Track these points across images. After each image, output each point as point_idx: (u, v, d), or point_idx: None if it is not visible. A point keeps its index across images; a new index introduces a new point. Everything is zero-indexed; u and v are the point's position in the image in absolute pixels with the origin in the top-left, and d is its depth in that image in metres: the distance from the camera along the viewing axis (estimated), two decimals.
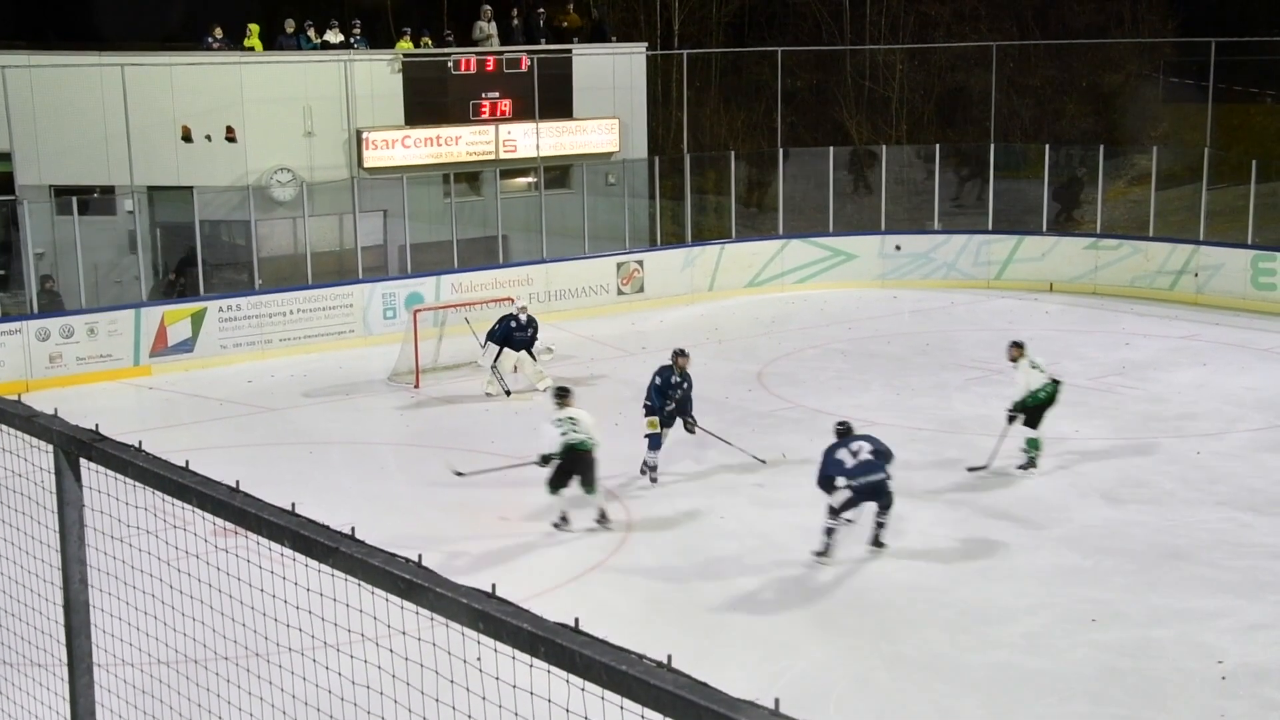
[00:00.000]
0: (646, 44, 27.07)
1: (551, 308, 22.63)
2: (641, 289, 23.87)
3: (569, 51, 24.88)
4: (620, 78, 25.34)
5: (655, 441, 14.38)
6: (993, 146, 26.02)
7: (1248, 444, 15.44)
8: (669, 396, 14.48)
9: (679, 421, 14.75)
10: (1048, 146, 25.77)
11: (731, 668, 9.63)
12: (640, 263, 24.08)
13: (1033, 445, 14.31)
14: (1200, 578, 11.61)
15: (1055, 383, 14.38)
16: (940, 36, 32.77)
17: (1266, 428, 16.09)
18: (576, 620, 2.40)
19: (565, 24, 25.93)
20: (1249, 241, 23.23)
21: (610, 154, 25.06)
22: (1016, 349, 14.51)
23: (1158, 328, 21.55)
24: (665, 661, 2.26)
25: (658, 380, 14.53)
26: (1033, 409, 14.22)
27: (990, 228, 25.73)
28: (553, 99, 24.31)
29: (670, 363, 14.71)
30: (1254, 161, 23.46)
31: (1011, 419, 14.24)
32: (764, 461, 14.80)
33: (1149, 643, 10.35)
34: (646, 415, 14.40)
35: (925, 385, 18.23)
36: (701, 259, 24.54)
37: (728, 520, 13.27)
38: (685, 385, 14.68)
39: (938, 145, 26.36)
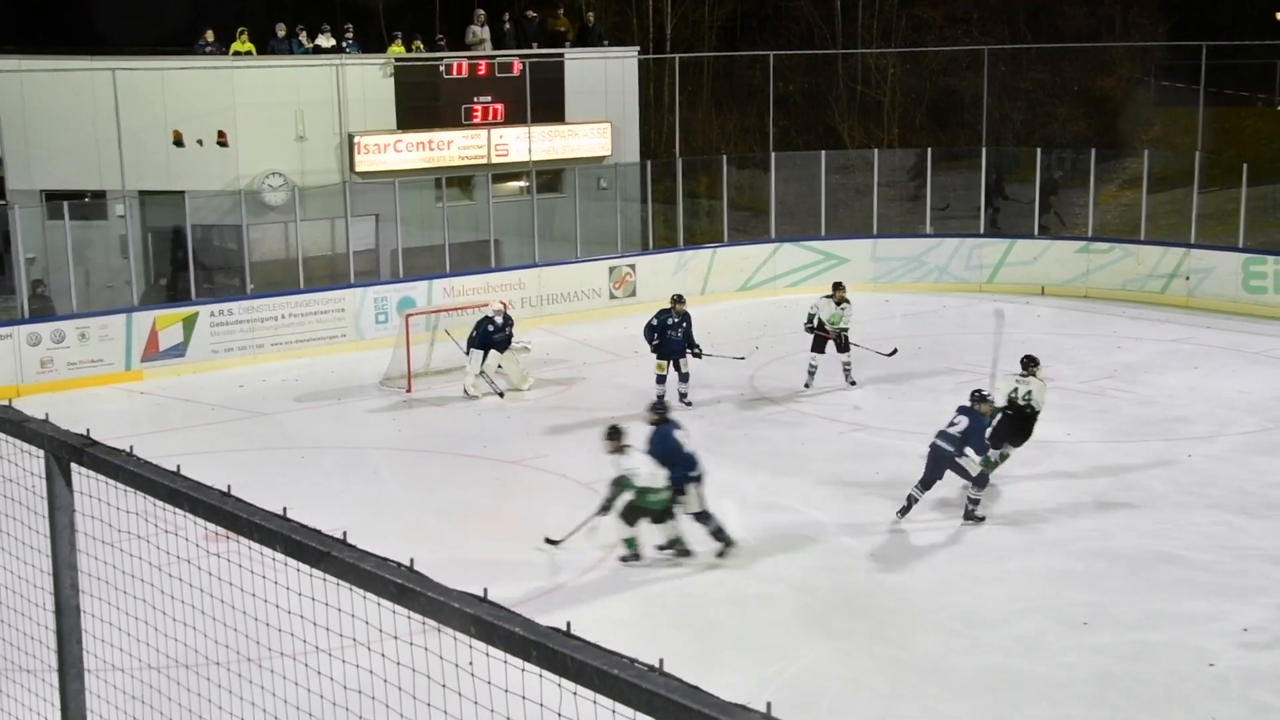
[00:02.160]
0: (638, 48, 27.05)
1: (543, 312, 22.63)
2: (634, 293, 23.87)
3: (561, 56, 24.89)
4: (612, 82, 25.34)
5: (661, 379, 17.19)
6: (985, 150, 26.06)
7: (1239, 447, 15.47)
8: (659, 334, 17.08)
9: (683, 361, 17.27)
10: (1039, 150, 25.81)
11: (725, 671, 9.63)
12: (632, 266, 24.08)
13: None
14: (1192, 581, 11.63)
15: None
16: (932, 40, 32.81)
17: (1258, 430, 16.13)
18: (568, 624, 2.40)
19: (558, 28, 25.93)
20: (1240, 245, 23.29)
21: (602, 158, 25.06)
22: (839, 288, 18.34)
23: (1149, 331, 21.58)
24: (657, 665, 2.26)
25: (654, 321, 17.23)
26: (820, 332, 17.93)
27: (982, 231, 25.79)
28: (545, 103, 24.30)
29: (669, 307, 17.30)
30: (1245, 165, 23.51)
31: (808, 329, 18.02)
32: (743, 358, 18.28)
33: (1141, 646, 10.37)
34: (657, 358, 17.25)
35: (917, 388, 18.25)
36: (694, 263, 24.55)
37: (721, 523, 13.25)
38: (684, 325, 17.19)
39: (929, 149, 26.39)
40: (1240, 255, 23.09)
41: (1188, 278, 23.44)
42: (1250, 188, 23.49)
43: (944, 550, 12.47)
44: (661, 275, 24.01)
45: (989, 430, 13.21)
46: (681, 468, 12.10)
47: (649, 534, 12.04)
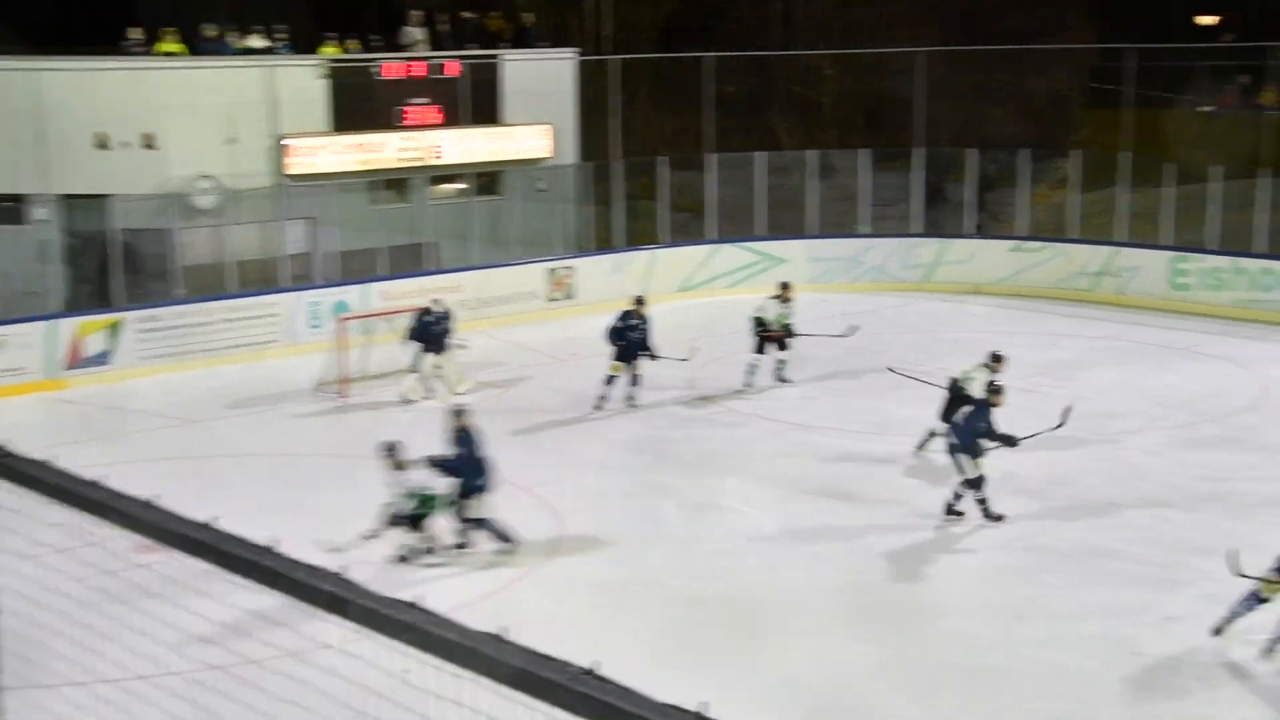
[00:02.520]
0: (578, 49, 26.98)
1: (482, 314, 22.46)
2: (573, 295, 23.80)
3: (499, 57, 24.77)
4: (551, 83, 25.26)
5: (610, 380, 17.11)
6: (919, 151, 26.29)
7: (1168, 441, 15.73)
8: (623, 335, 17.02)
9: (638, 363, 17.19)
10: (973, 151, 26.07)
11: (662, 673, 9.60)
12: (571, 268, 24.01)
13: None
14: (1123, 573, 11.81)
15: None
16: (869, 42, 33.04)
17: (1186, 425, 16.41)
18: (502, 629, 2.37)
19: (496, 29, 25.82)
20: (1166, 243, 23.72)
21: (541, 160, 24.98)
22: (785, 287, 18.53)
23: (1080, 328, 21.90)
24: (591, 668, 2.25)
25: (617, 323, 17.23)
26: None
27: (918, 231, 26.04)
28: (483, 105, 24.19)
29: (631, 308, 17.33)
30: (1169, 165, 23.96)
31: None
32: (686, 359, 17.76)
33: (1074, 638, 10.51)
34: (616, 359, 17.11)
35: (856, 387, 18.38)
36: (633, 264, 24.52)
37: (659, 526, 13.26)
38: (642, 325, 17.18)
39: (865, 149, 26.54)
40: (1167, 253, 23.51)
41: (1117, 276, 23.83)
42: (1175, 187, 23.93)
43: (882, 548, 12.54)
44: (601, 277, 23.99)
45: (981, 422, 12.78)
46: (472, 475, 12.04)
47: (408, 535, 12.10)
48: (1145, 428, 16.25)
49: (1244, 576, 9.59)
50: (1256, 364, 19.46)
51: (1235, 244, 23.26)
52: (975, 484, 12.74)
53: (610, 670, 2.26)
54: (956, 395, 14.15)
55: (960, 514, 12.84)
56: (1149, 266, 23.55)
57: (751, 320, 18.31)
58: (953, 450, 12.85)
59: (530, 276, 23.54)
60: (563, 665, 2.29)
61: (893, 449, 15.51)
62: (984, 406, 12.84)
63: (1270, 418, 16.65)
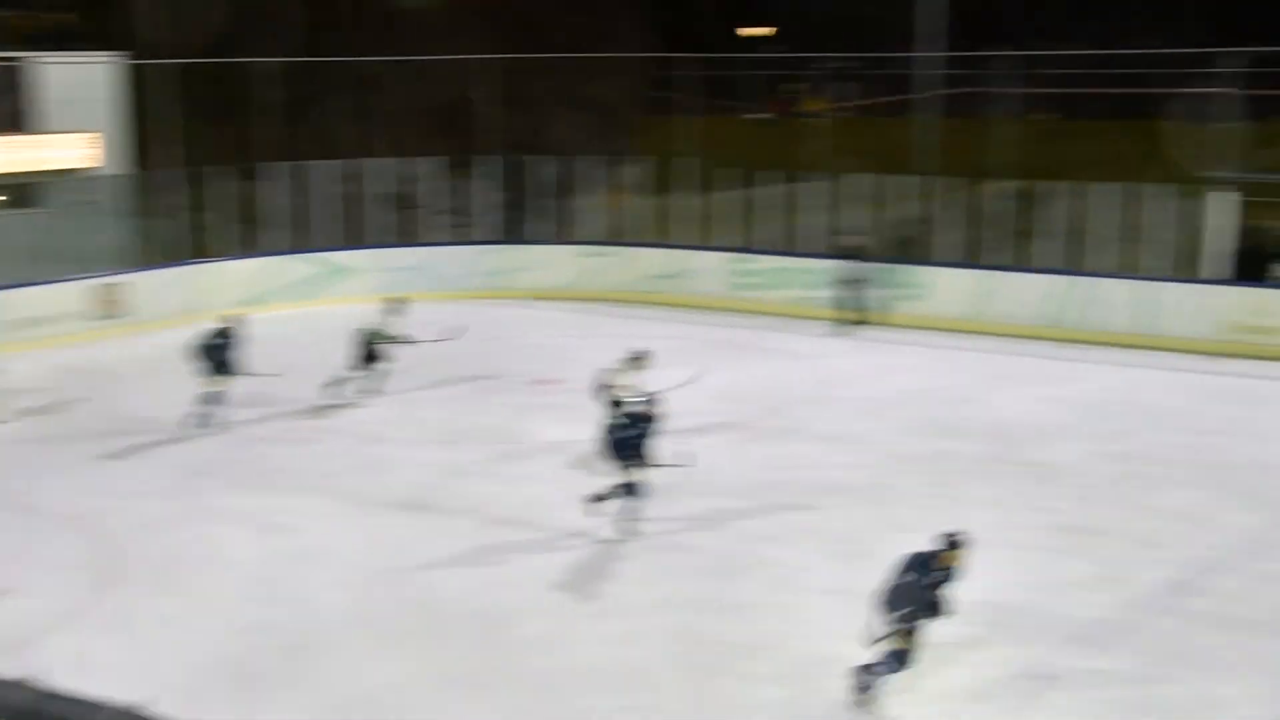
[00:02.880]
0: (130, 53, 25.30)
1: (21, 336, 20.47)
2: (126, 313, 22.20)
3: (23, 60, 22.81)
4: (96, 89, 23.64)
5: (207, 398, 16.42)
6: (498, 158, 26.53)
7: (734, 438, 16.49)
8: (214, 352, 16.38)
9: (223, 380, 16.48)
10: (539, 158, 26.60)
11: (220, 704, 9.10)
12: (124, 284, 22.37)
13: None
14: (690, 565, 12.25)
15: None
16: (436, 48, 33.04)
17: (749, 418, 17.34)
18: (34, 674, 2.04)
19: (31, 29, 23.80)
20: (724, 245, 25.15)
21: (87, 169, 23.23)
22: (392, 302, 18.12)
23: (648, 329, 22.74)
24: (130, 707, 1.98)
25: (200, 340, 16.45)
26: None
27: (490, 238, 26.27)
28: (14, 111, 22.24)
29: (219, 325, 16.68)
30: (725, 170, 25.47)
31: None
32: (279, 375, 17.17)
33: (647, 632, 10.76)
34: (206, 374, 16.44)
35: (429, 398, 18.22)
36: (194, 278, 23.20)
37: (224, 551, 12.53)
38: (233, 341, 16.53)
39: (433, 157, 26.50)
40: (725, 255, 24.95)
41: (682, 278, 25.01)
42: (735, 191, 25.45)
43: (457, 559, 12.37)
44: (158, 292, 22.57)
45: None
46: None
47: None
48: (710, 423, 17.00)
49: (882, 640, 9.28)
50: (812, 358, 20.95)
51: (787, 244, 25.04)
52: (626, 490, 12.62)
53: (167, 705, 1.98)
54: (604, 391, 14.35)
55: (602, 499, 12.69)
56: (709, 268, 24.88)
57: (358, 335, 17.64)
58: (605, 455, 12.71)
59: (77, 294, 21.73)
60: (96, 706, 2.01)
61: (469, 458, 15.46)
62: (632, 419, 12.64)
63: (827, 408, 17.87)
